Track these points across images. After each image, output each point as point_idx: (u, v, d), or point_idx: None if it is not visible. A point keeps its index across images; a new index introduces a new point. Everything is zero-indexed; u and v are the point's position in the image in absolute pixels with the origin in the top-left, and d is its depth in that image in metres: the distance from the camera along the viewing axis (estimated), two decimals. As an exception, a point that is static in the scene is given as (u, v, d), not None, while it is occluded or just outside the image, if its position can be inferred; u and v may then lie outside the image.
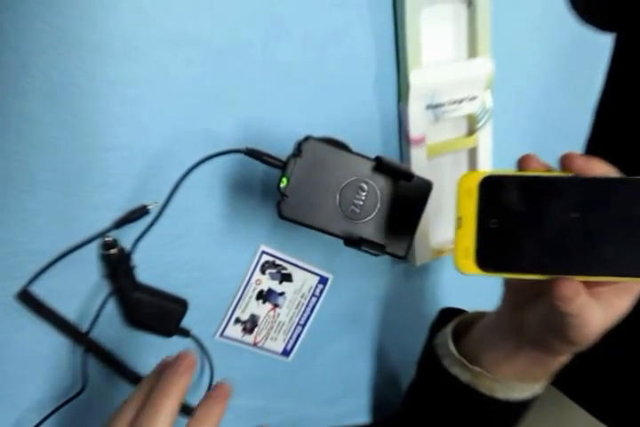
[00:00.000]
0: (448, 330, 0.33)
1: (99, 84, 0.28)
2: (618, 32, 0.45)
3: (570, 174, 0.24)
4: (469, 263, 0.24)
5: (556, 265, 0.23)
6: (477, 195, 0.24)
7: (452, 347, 0.32)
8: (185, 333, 0.35)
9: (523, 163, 0.24)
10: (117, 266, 0.31)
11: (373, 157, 0.29)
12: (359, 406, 0.46)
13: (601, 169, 0.24)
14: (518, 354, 0.29)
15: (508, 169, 0.24)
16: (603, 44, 0.45)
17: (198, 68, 0.30)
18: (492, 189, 0.24)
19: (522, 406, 0.32)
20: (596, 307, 0.24)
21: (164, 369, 0.24)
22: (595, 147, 0.51)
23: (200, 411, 0.24)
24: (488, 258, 0.24)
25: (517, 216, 0.24)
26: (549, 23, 0.42)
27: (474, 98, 0.39)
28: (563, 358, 0.29)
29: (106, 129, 0.29)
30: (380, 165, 0.28)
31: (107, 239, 0.30)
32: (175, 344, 0.35)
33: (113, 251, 0.30)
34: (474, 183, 0.24)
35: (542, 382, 0.31)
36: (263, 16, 0.31)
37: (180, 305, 0.34)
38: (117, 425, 0.23)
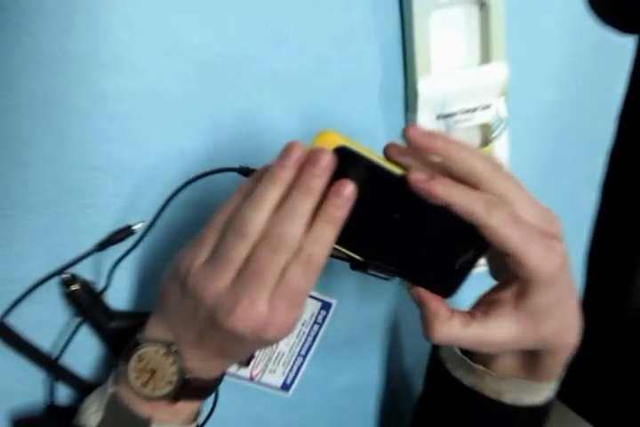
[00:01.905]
0: None
1: (86, 100, 0.28)
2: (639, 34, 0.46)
3: (400, 173, 0.26)
4: None
5: (369, 251, 0.27)
6: None
7: (455, 347, 0.33)
8: None
9: (385, 152, 0.27)
10: (84, 301, 0.31)
11: None
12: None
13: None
14: None
15: (366, 148, 0.26)
16: (624, 46, 0.46)
17: (191, 81, 0.31)
18: (340, 158, 0.26)
19: (531, 415, 0.32)
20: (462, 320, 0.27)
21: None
22: (620, 153, 0.52)
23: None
24: None
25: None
26: (567, 25, 0.43)
27: (487, 106, 0.40)
28: (554, 357, 0.30)
29: (93, 147, 0.29)
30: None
31: (64, 276, 0.31)
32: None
33: (74, 287, 0.31)
34: (329, 145, 0.26)
35: (549, 385, 0.32)
36: (261, 23, 0.32)
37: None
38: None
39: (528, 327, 0.28)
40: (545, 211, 0.28)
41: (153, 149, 0.31)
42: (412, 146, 0.26)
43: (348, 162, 0.26)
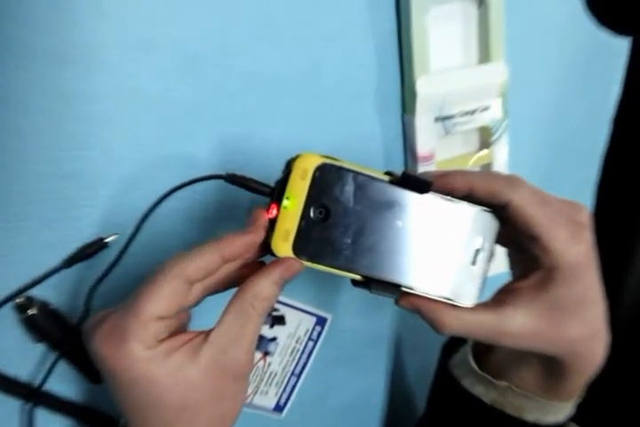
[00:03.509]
0: (467, 347, 0.32)
1: (54, 100, 0.26)
2: (635, 35, 0.45)
3: (385, 179, 0.26)
4: (286, 247, 0.25)
5: (369, 268, 0.26)
6: (311, 179, 0.25)
7: (472, 363, 0.31)
8: None
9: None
10: (44, 325, 0.29)
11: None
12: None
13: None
14: (528, 358, 0.29)
15: (352, 162, 0.26)
16: (619, 48, 0.46)
17: (172, 80, 0.29)
18: (326, 177, 0.25)
19: None
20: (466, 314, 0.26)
21: None
22: (614, 156, 0.51)
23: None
24: (306, 246, 0.25)
25: (345, 211, 0.25)
26: (563, 25, 0.42)
27: (487, 108, 0.38)
28: (578, 373, 0.28)
29: (62, 153, 0.27)
30: (398, 182, 0.27)
31: (18, 301, 0.28)
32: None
33: (32, 311, 0.28)
34: (310, 165, 0.25)
35: (572, 403, 0.31)
36: (249, 18, 0.30)
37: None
38: None
39: (546, 322, 0.26)
40: (573, 201, 0.27)
41: (130, 155, 0.29)
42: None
43: (334, 179, 0.25)
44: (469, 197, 0.26)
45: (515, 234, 0.27)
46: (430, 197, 0.26)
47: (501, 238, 0.27)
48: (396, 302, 0.27)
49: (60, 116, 0.27)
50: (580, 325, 0.27)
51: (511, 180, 0.26)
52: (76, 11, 0.26)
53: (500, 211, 0.26)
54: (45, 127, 0.27)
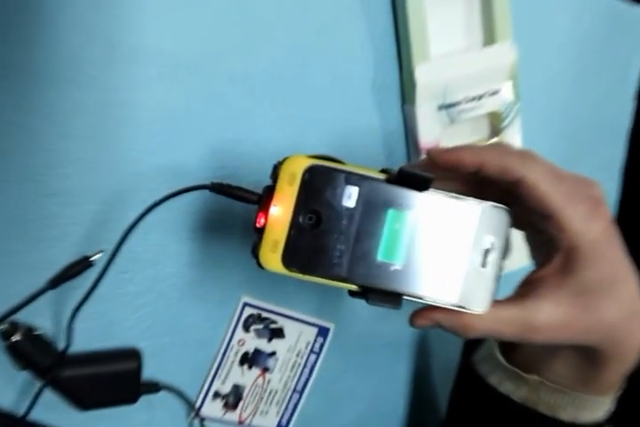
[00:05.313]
0: (493, 341, 0.33)
1: (37, 118, 0.27)
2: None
3: (381, 177, 0.26)
4: (274, 259, 0.25)
5: (366, 276, 0.26)
6: (299, 183, 0.25)
7: (499, 357, 0.32)
8: (152, 388, 0.34)
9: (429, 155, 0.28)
10: (29, 352, 0.30)
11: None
12: None
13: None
14: (561, 349, 0.30)
15: (345, 162, 0.26)
16: (638, 17, 0.46)
17: (159, 87, 0.30)
18: (316, 179, 0.25)
19: None
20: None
21: None
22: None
23: None
24: (296, 257, 0.25)
25: (338, 216, 0.26)
26: None
27: (496, 92, 0.39)
28: (618, 361, 0.28)
29: (47, 171, 0.29)
30: (395, 180, 0.27)
31: (2, 327, 0.29)
32: (147, 407, 0.34)
33: (15, 338, 0.29)
34: (298, 169, 0.25)
35: (611, 397, 0.31)
36: (236, 18, 0.31)
37: (132, 359, 0.33)
38: None
39: (577, 309, 0.26)
40: (585, 177, 0.28)
41: (118, 169, 0.30)
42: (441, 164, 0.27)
43: (324, 181, 0.26)
44: (478, 174, 0.27)
45: (528, 214, 0.27)
46: (432, 195, 0.26)
47: (516, 221, 0.27)
48: (412, 324, 0.28)
49: (45, 134, 0.28)
50: (614, 306, 0.27)
51: (524, 155, 0.27)
52: (59, 27, 0.27)
53: (512, 188, 0.26)
54: (30, 146, 0.28)
